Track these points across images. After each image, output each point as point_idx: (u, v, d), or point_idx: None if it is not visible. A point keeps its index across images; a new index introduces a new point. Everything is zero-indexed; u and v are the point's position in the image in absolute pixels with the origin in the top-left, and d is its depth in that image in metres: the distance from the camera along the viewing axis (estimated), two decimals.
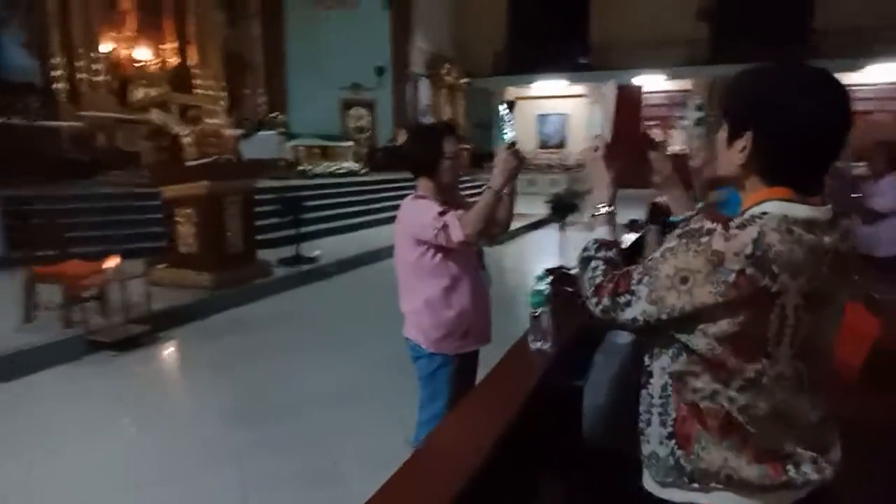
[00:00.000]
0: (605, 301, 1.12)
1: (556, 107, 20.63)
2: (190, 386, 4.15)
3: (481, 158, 18.09)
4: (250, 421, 3.42)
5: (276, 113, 14.53)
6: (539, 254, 8.61)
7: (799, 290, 0.96)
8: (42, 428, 3.34)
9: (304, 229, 7.64)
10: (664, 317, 1.03)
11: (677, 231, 1.04)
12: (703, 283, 0.97)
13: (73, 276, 4.43)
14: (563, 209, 7.34)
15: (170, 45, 12.99)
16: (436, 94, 18.49)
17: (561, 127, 20.66)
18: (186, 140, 8.72)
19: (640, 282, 1.06)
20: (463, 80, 19.61)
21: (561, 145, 20.61)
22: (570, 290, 2.74)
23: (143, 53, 12.56)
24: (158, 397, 3.87)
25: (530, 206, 10.25)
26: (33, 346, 4.13)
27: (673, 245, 1.02)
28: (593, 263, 1.19)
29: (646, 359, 1.18)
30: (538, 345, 1.92)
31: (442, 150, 2.23)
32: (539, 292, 1.93)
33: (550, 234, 9.36)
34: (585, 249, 1.24)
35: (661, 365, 1.12)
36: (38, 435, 3.25)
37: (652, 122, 19.40)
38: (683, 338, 1.04)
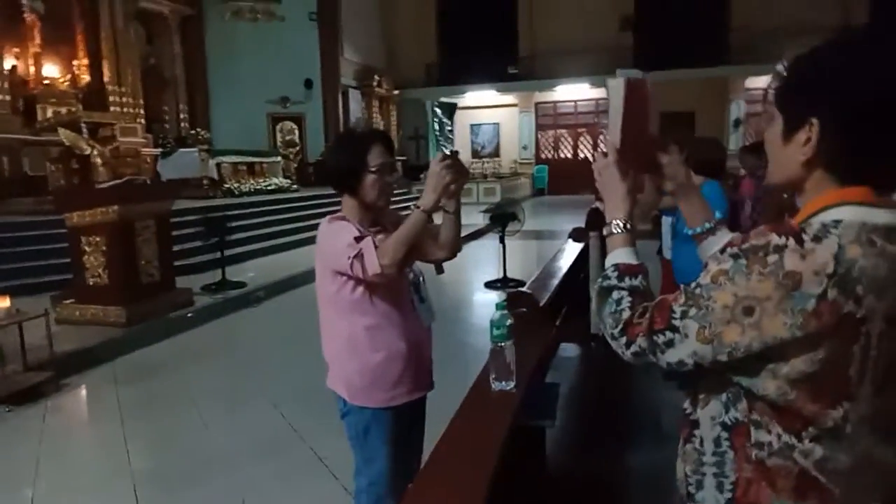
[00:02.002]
0: (640, 341, 0.91)
1: (488, 116, 20.74)
2: (97, 444, 3.66)
3: (416, 170, 17.95)
4: (167, 484, 3.04)
5: (198, 129, 13.90)
6: (479, 265, 8.44)
7: (884, 313, 0.78)
8: None
9: (230, 252, 7.20)
10: (723, 357, 0.84)
11: (731, 249, 0.84)
12: (774, 312, 0.79)
13: None
14: (502, 218, 7.19)
15: (82, 61, 12.23)
16: (367, 106, 18.21)
17: (493, 136, 20.77)
18: (97, 161, 8.15)
19: (685, 315, 0.86)
20: (395, 92, 19.42)
21: (494, 154, 20.69)
22: (525, 310, 2.52)
23: (51, 70, 11.76)
24: (60, 459, 3.41)
25: (467, 217, 10.13)
26: None
27: (727, 266, 0.83)
28: (616, 295, 0.97)
29: (686, 405, 0.98)
30: (501, 385, 1.68)
31: (366, 162, 1.85)
32: (501, 324, 1.65)
33: (489, 244, 9.22)
34: (605, 278, 1.01)
35: (710, 414, 0.93)
36: None
37: (581, 129, 19.81)
38: (745, 381, 0.86)
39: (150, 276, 5.61)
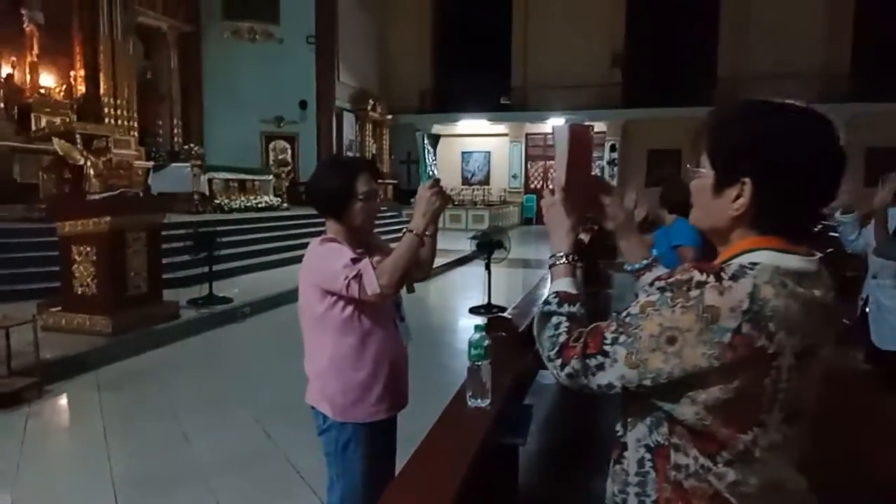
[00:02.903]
0: (574, 363, 0.98)
1: (480, 144, 21.05)
2: (78, 450, 3.70)
3: (407, 194, 18.13)
4: (146, 489, 3.09)
5: (192, 145, 14.01)
6: (465, 291, 8.55)
7: (793, 349, 0.86)
8: None
9: (218, 267, 7.25)
10: (647, 382, 0.91)
11: (659, 283, 0.93)
12: (694, 343, 0.86)
13: None
14: (488, 246, 7.32)
15: (79, 72, 12.34)
16: (361, 129, 18.43)
17: (484, 164, 21.06)
18: (90, 171, 8.22)
19: (615, 341, 0.93)
20: (388, 116, 19.69)
21: (484, 182, 20.95)
22: (504, 334, 2.63)
23: (47, 80, 11.86)
24: (40, 463, 3.44)
25: (455, 243, 10.24)
26: None
27: (655, 299, 0.90)
28: (555, 319, 1.06)
29: (618, 427, 1.05)
30: (476, 402, 1.77)
31: (354, 189, 1.93)
32: (479, 344, 1.75)
33: (475, 270, 9.35)
34: (546, 303, 1.10)
35: (636, 436, 1.00)
36: None
37: None
38: (667, 406, 0.93)
39: (137, 287, 5.65)
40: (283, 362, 4.93)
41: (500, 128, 20.41)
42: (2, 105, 10.42)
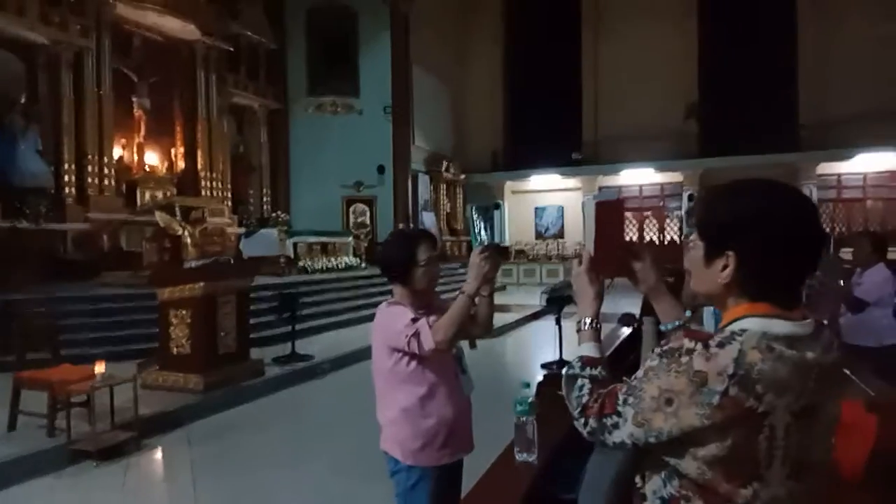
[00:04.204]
0: (592, 422, 1.09)
1: (553, 199, 21.10)
2: (170, 500, 4.00)
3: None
4: None
5: (278, 212, 14.91)
6: (536, 347, 8.53)
7: (787, 408, 0.94)
8: None
9: (301, 325, 7.64)
10: (652, 440, 1.00)
11: (658, 349, 1.03)
12: (688, 404, 0.95)
13: (59, 382, 4.40)
14: (559, 301, 7.32)
15: (179, 150, 13.56)
16: (435, 189, 19.00)
17: (557, 218, 21.04)
18: (187, 240, 8.92)
19: (625, 402, 1.04)
20: (462, 176, 20.22)
21: (558, 235, 20.91)
22: (561, 392, 2.70)
23: (152, 158, 13.09)
24: None
25: (529, 297, 10.29)
26: (12, 457, 4.04)
27: (655, 364, 1.01)
28: (579, 382, 1.17)
29: (637, 479, 1.14)
30: (523, 456, 1.86)
31: (416, 257, 2.19)
32: (524, 400, 1.87)
33: (548, 325, 9.32)
34: (570, 367, 1.22)
35: (652, 488, 1.08)
36: None
37: (646, 213, 19.84)
38: (673, 461, 1.02)
39: (227, 346, 6.05)
40: (358, 416, 5.10)
41: (573, 181, 20.46)
42: (114, 182, 11.57)
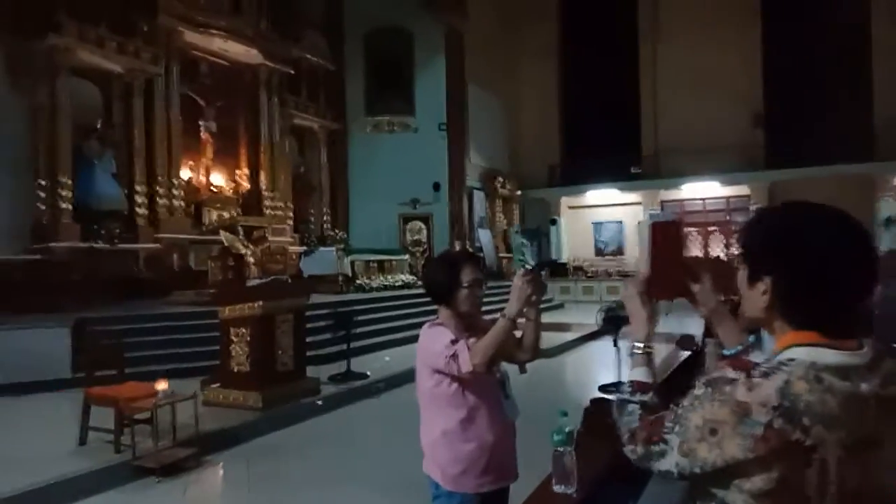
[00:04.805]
0: (640, 449, 1.08)
1: (612, 214, 20.69)
2: None
3: (536, 267, 18.14)
4: None
5: (337, 230, 15.23)
6: (594, 367, 8.33)
7: (839, 442, 0.90)
8: None
9: (357, 343, 7.72)
10: (697, 470, 0.98)
11: (703, 378, 1.01)
12: (731, 435, 0.93)
13: (125, 399, 4.58)
14: (616, 321, 7.12)
15: (243, 171, 14.06)
16: (491, 206, 18.98)
17: (617, 234, 20.60)
18: (250, 259, 9.20)
19: (671, 430, 1.02)
20: (517, 192, 20.13)
21: (618, 252, 20.46)
22: (609, 420, 2.61)
23: (218, 179, 13.62)
24: None
25: (587, 315, 10.05)
26: (81, 472, 4.21)
27: (700, 393, 0.99)
28: (629, 408, 1.16)
29: None
30: (561, 488, 1.81)
31: (459, 280, 2.18)
32: (561, 430, 1.82)
33: (607, 345, 9.09)
34: (622, 392, 1.20)
35: None
36: None
37: (712, 228, 19.19)
38: (720, 493, 0.99)
39: (284, 364, 6.17)
40: (410, 437, 5.08)
41: (633, 196, 20.02)
42: (182, 204, 12.09)
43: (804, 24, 17.73)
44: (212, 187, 13.40)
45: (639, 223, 1.34)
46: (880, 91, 17.17)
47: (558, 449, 1.80)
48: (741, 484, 0.94)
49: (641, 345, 1.25)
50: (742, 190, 18.62)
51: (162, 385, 4.54)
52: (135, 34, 11.19)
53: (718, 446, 0.94)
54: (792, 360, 0.94)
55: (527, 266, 2.18)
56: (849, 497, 0.91)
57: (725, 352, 1.36)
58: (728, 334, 1.36)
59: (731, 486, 0.96)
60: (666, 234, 1.33)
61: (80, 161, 10.56)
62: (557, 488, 1.80)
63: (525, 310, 2.10)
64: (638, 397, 1.16)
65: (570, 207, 21.08)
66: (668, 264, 1.33)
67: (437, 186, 16.86)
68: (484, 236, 17.77)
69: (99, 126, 11.06)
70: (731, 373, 0.96)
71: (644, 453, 1.06)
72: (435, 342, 2.14)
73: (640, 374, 1.22)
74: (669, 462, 1.01)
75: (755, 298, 1.04)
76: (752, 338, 1.36)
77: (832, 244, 0.97)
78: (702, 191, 19.43)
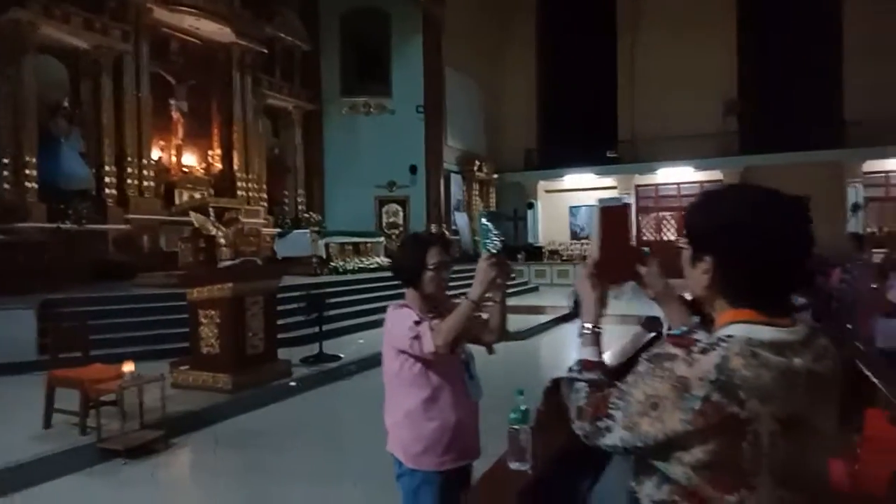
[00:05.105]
0: (587, 426, 1.11)
1: (588, 198, 20.83)
2: (196, 499, 4.08)
3: (513, 250, 18.27)
4: None
5: (311, 213, 15.11)
6: (566, 349, 8.43)
7: (772, 415, 0.93)
8: None
9: (331, 326, 7.70)
10: (640, 444, 1.01)
11: (645, 354, 1.03)
12: (671, 409, 0.95)
13: (90, 381, 4.53)
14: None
15: (216, 152, 13.84)
16: (468, 189, 18.97)
17: (592, 217, 20.78)
18: (221, 241, 9.09)
19: (616, 406, 1.05)
20: (494, 176, 20.14)
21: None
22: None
23: (189, 159, 13.40)
24: None
25: (562, 298, 10.18)
26: (45, 454, 4.16)
27: (643, 369, 1.02)
28: (578, 386, 1.19)
29: (633, 484, 1.14)
30: (517, 465, 1.84)
31: (425, 262, 2.20)
32: (517, 408, 1.85)
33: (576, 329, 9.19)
34: (570, 371, 1.23)
35: (646, 492, 1.08)
36: None
37: (684, 213, 19.43)
38: (661, 466, 1.02)
39: (254, 347, 6.14)
40: (380, 417, 5.12)
41: (609, 181, 20.18)
42: (152, 184, 11.88)
43: (778, 15, 17.93)
44: (183, 168, 13.17)
45: (591, 207, 1.36)
46: (850, 80, 17.46)
47: (514, 427, 1.82)
48: (681, 457, 0.97)
49: (590, 325, 1.29)
50: (716, 175, 18.86)
51: (128, 367, 4.50)
52: (103, 10, 10.89)
53: (660, 420, 0.97)
54: (730, 336, 0.97)
55: (491, 249, 2.19)
56: (781, 472, 0.94)
57: (673, 332, 1.39)
58: (674, 316, 1.40)
59: (672, 459, 0.98)
60: (614, 219, 1.35)
61: (46, 140, 10.29)
62: (513, 465, 1.83)
63: (491, 292, 2.14)
64: (586, 375, 1.19)
65: (547, 191, 21.19)
66: (617, 248, 1.35)
67: (413, 169, 16.80)
68: (461, 219, 17.78)
69: (66, 104, 10.78)
70: (672, 349, 0.99)
71: (591, 429, 1.09)
72: (399, 323, 2.16)
73: (589, 354, 1.25)
74: (614, 437, 1.04)
75: (697, 277, 1.07)
76: (695, 319, 1.39)
77: (770, 226, 0.99)
78: (676, 176, 19.64)
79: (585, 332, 1.29)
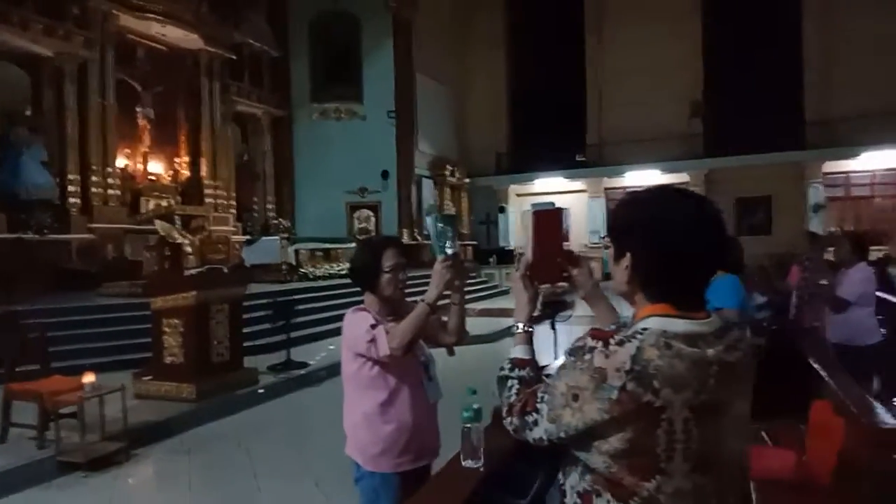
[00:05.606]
0: (516, 420, 1.14)
1: (558, 202, 20.96)
2: None
3: (485, 254, 18.38)
4: None
5: (280, 219, 15.02)
6: (540, 350, 8.50)
7: (685, 403, 0.97)
8: None
9: (300, 333, 7.66)
10: (563, 435, 1.05)
11: (568, 348, 1.08)
12: (591, 399, 0.99)
13: (48, 393, 4.45)
14: (553, 305, 7.28)
15: (183, 159, 13.69)
16: (440, 194, 19.02)
17: (563, 221, 21.01)
18: (187, 249, 9.00)
19: (541, 400, 1.09)
20: (466, 180, 20.24)
21: (564, 238, 20.83)
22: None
23: (156, 167, 13.23)
24: None
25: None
26: (1, 469, 4.08)
27: (565, 362, 1.06)
28: (509, 383, 1.22)
29: (559, 475, 1.18)
30: (469, 463, 1.89)
31: (381, 265, 2.22)
32: (469, 407, 1.90)
33: (547, 329, 9.28)
34: (502, 369, 1.28)
35: (571, 483, 1.12)
36: None
37: None
38: (583, 456, 1.06)
39: (220, 355, 6.08)
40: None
41: (578, 184, 20.41)
42: (118, 192, 11.71)
43: (742, 19, 18.35)
44: (150, 175, 13.01)
45: (525, 213, 1.43)
46: (810, 84, 17.94)
47: (466, 425, 1.88)
48: (600, 446, 1.01)
49: (522, 325, 1.34)
50: (682, 177, 19.19)
51: (88, 378, 4.43)
52: (65, 17, 10.72)
53: (580, 410, 1.01)
54: (645, 329, 1.02)
55: (447, 251, 2.23)
56: (695, 458, 0.99)
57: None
58: (602, 314, 1.47)
59: (592, 449, 1.02)
60: (546, 222, 1.41)
61: (6, 149, 10.11)
62: (466, 463, 1.88)
63: (451, 295, 2.18)
64: (516, 373, 1.23)
65: (518, 195, 21.34)
66: (549, 251, 1.41)
67: (385, 174, 16.80)
68: (432, 224, 17.79)
69: (28, 112, 10.58)
70: (591, 342, 1.03)
71: (519, 424, 1.13)
72: (356, 326, 2.18)
73: (521, 352, 1.30)
74: (540, 430, 1.08)
75: (619, 273, 1.11)
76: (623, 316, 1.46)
77: (684, 226, 1.05)
78: (643, 178, 19.91)
79: (517, 331, 1.34)
